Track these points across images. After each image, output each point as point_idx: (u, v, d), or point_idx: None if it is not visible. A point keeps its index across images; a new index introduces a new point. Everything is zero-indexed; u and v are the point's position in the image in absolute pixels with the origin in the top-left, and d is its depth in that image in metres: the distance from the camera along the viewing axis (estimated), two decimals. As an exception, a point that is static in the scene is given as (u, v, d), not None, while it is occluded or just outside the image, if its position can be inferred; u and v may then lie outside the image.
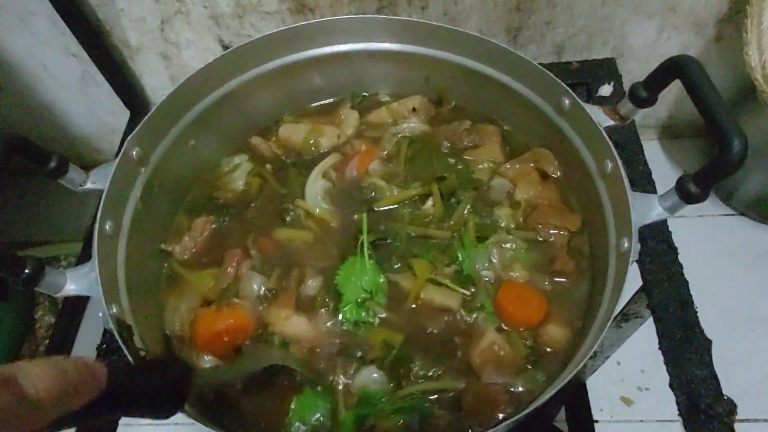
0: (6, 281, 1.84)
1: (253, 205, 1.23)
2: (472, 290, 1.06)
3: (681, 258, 1.17)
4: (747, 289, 1.86)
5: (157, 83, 1.99)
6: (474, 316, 1.04)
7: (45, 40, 1.84)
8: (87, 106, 2.10)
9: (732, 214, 2.02)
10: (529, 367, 1.00)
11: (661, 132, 2.16)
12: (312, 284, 1.09)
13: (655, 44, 1.79)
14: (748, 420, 1.67)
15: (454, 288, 1.06)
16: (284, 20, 1.70)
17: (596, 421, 1.58)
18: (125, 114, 1.99)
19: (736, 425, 1.04)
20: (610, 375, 1.76)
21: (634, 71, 1.84)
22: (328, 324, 1.06)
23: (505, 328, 1.04)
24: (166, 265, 1.17)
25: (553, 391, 0.82)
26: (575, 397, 1.42)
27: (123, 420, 1.12)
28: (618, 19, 1.71)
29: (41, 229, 2.22)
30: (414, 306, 1.07)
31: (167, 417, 0.74)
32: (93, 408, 0.58)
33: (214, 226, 1.20)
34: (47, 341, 1.93)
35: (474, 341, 1.02)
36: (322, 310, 1.07)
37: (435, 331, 1.04)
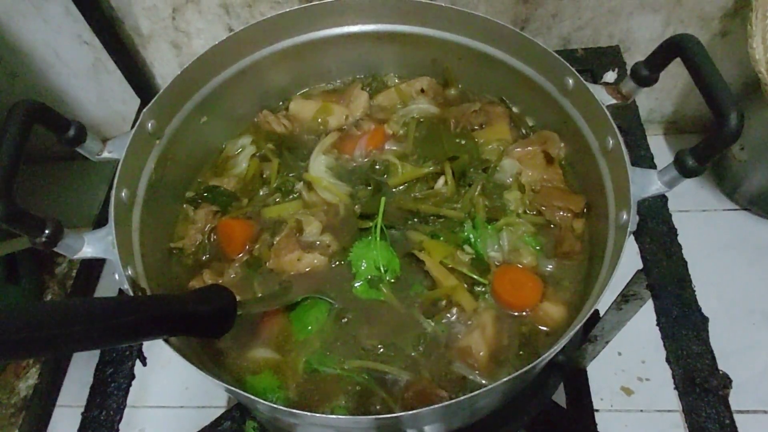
0: (17, 265, 1.89)
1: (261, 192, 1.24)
2: (489, 279, 1.06)
3: (685, 252, 1.18)
4: (749, 283, 1.87)
5: (168, 71, 2.02)
6: (474, 319, 1.04)
7: (58, 27, 1.88)
8: (98, 93, 2.13)
9: (735, 209, 2.03)
10: (521, 352, 1.01)
11: (667, 127, 2.18)
12: (311, 231, 1.14)
13: (661, 38, 1.78)
14: (747, 411, 1.67)
15: (472, 276, 1.06)
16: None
17: (597, 410, 1.58)
18: (136, 102, 2.02)
19: (735, 416, 1.06)
20: (610, 365, 1.78)
21: (639, 65, 1.86)
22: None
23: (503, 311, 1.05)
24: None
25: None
26: (576, 383, 1.43)
27: (129, 401, 1.17)
28: (624, 12, 1.73)
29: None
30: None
31: (219, 336, 0.88)
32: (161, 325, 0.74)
33: (217, 215, 1.21)
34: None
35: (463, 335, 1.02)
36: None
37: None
